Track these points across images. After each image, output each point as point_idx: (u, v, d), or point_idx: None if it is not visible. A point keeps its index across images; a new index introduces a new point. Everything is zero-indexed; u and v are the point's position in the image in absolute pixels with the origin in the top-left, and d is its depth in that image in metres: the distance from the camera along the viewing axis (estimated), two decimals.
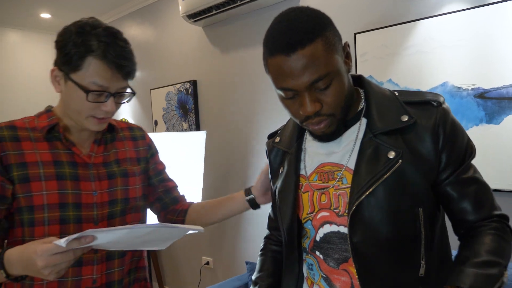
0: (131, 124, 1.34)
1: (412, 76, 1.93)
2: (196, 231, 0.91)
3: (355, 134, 0.93)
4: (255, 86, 2.71)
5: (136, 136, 1.29)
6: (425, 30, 1.88)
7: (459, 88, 1.80)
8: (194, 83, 3.06)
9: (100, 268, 1.12)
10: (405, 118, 0.87)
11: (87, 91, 1.01)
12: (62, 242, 0.78)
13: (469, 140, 0.92)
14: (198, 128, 3.08)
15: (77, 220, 1.08)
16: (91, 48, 0.99)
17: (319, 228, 0.95)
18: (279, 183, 1.06)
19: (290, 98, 0.87)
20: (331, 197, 0.94)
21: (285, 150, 1.07)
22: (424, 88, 1.89)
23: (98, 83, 1.00)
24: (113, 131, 1.22)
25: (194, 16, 2.79)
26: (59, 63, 1.04)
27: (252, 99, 2.74)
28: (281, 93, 0.87)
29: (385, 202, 0.85)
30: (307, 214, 0.99)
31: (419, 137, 0.87)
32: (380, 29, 2.01)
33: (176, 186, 1.39)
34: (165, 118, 3.35)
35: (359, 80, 0.99)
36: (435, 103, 0.89)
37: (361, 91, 0.97)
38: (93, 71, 0.99)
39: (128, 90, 1.09)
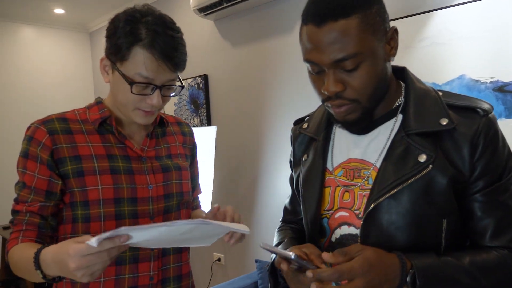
0: (179, 118, 1.30)
1: (428, 69, 1.86)
2: (242, 231, 0.87)
3: (389, 130, 0.87)
4: (267, 81, 2.67)
5: (185, 132, 1.26)
6: (440, 21, 1.81)
7: (476, 81, 1.73)
8: (205, 77, 3.03)
9: (157, 265, 1.09)
10: (444, 122, 0.80)
11: (131, 82, 0.96)
12: (94, 241, 0.71)
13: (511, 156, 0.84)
14: (209, 123, 3.06)
15: (132, 215, 1.05)
16: (139, 38, 0.94)
17: (335, 229, 0.90)
18: (302, 172, 1.00)
19: (316, 73, 0.82)
20: (356, 197, 0.88)
21: (312, 137, 1.01)
22: (440, 81, 1.82)
23: (144, 74, 0.96)
24: (163, 125, 1.19)
25: (205, 10, 2.76)
26: (107, 52, 1.01)
27: (264, 93, 2.70)
28: (308, 65, 0.82)
29: (407, 208, 0.79)
30: (324, 210, 0.93)
31: (456, 145, 0.80)
32: (393, 21, 1.94)
33: (198, 197, 1.37)
34: (177, 113, 3.33)
35: (402, 73, 0.92)
36: (481, 112, 0.81)
37: (403, 85, 0.91)
38: (139, 61, 0.95)
39: (177, 83, 1.04)
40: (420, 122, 0.82)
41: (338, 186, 0.91)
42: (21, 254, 0.94)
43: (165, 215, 1.11)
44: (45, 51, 4.17)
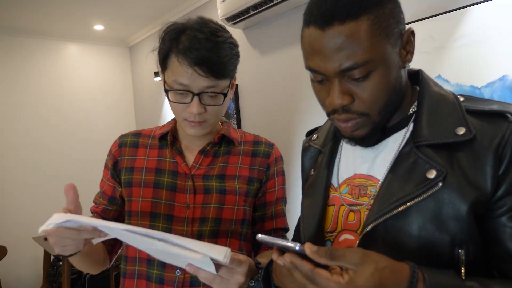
0: (261, 138, 1.19)
1: (465, 70, 1.69)
2: (216, 260, 0.73)
3: (398, 142, 0.75)
4: (296, 89, 2.58)
5: (257, 152, 1.14)
6: (478, 17, 1.63)
7: None
8: (235, 87, 2.98)
9: None
10: (461, 131, 0.67)
11: (166, 90, 0.98)
12: (76, 219, 0.73)
13: None
14: None
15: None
16: (175, 45, 0.95)
17: None
18: (305, 188, 0.91)
19: (319, 81, 0.72)
20: (362, 218, 0.76)
21: (319, 149, 0.92)
22: (479, 83, 1.64)
23: (179, 81, 0.95)
24: (230, 144, 1.13)
25: (233, 19, 2.72)
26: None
27: (294, 102, 2.60)
28: (310, 73, 0.73)
29: (412, 232, 0.66)
30: (326, 232, 0.82)
31: (476, 158, 0.66)
32: (425, 20, 1.79)
33: (272, 230, 1.17)
34: None
35: (417, 77, 0.79)
36: (510, 117, 0.66)
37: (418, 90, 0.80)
38: (175, 69, 0.95)
39: (217, 89, 0.97)
40: (433, 132, 0.70)
41: (343, 205, 0.80)
42: None
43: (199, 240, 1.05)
44: (87, 67, 4.33)
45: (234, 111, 3.01)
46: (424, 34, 1.80)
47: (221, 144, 1.12)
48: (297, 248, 0.61)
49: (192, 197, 1.05)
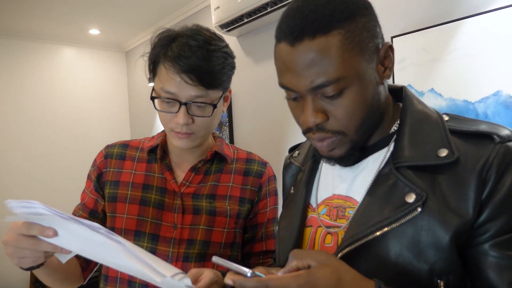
0: (254, 155, 1.15)
1: (458, 84, 1.64)
2: (149, 279, 0.68)
3: (378, 162, 0.71)
4: None
5: (250, 171, 1.09)
6: (472, 30, 1.58)
7: None
8: None
9: None
10: (443, 153, 0.63)
11: (152, 97, 0.92)
12: (43, 210, 0.65)
13: None
14: (232, 143, 2.95)
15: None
16: (164, 51, 0.91)
17: None
18: (283, 208, 0.87)
19: (294, 99, 0.69)
20: (339, 241, 0.71)
21: (299, 167, 0.88)
22: (473, 98, 1.59)
23: (166, 89, 0.90)
24: (222, 162, 1.07)
25: (227, 26, 2.69)
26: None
27: (288, 111, 2.52)
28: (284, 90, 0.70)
29: (389, 259, 0.62)
30: None
31: (459, 182, 0.61)
32: (420, 31, 1.74)
33: (262, 252, 1.12)
34: None
35: (401, 93, 0.75)
36: (497, 138, 0.62)
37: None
38: (163, 76, 0.91)
39: (206, 100, 0.92)
40: (414, 153, 0.66)
41: (320, 226, 0.75)
42: None
43: (184, 263, 0.98)
44: (83, 71, 4.29)
45: (227, 119, 2.96)
46: (417, 47, 1.76)
47: (213, 161, 1.07)
48: (249, 275, 0.58)
49: (180, 216, 0.99)
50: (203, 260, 0.99)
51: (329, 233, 0.73)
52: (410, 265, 0.61)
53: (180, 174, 1.04)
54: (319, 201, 0.79)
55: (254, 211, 1.09)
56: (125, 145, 1.09)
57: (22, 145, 3.85)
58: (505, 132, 0.63)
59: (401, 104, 0.75)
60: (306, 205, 0.80)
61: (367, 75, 0.64)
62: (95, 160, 1.09)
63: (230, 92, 1.03)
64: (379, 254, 0.63)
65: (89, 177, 1.08)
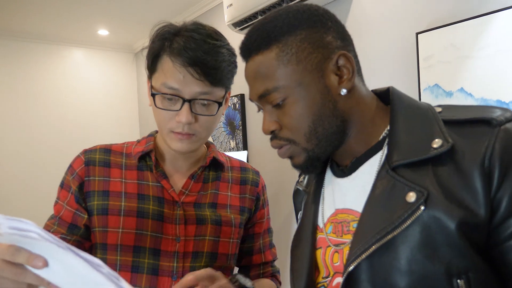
0: (245, 164, 1.12)
1: (490, 83, 1.53)
2: None
3: (375, 168, 0.68)
4: None
5: (246, 180, 1.06)
6: (505, 24, 1.48)
7: None
8: (241, 97, 2.85)
9: None
10: (437, 144, 0.60)
11: (153, 93, 0.85)
12: (34, 233, 0.54)
13: None
14: (245, 147, 2.86)
15: (152, 270, 0.88)
16: (168, 44, 0.86)
17: None
18: (294, 235, 0.83)
19: (258, 110, 0.76)
20: (344, 258, 0.68)
21: (304, 190, 0.86)
22: (507, 98, 1.49)
23: (168, 84, 0.85)
24: (219, 169, 1.01)
25: (240, 24, 2.61)
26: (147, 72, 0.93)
27: None
28: None
29: (402, 266, 0.58)
30: (323, 278, 0.73)
31: (459, 172, 0.58)
32: (448, 26, 1.64)
33: (262, 264, 1.09)
34: (214, 136, 3.17)
35: (389, 95, 0.73)
36: (493, 121, 0.58)
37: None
38: (166, 70, 0.85)
39: (211, 97, 0.86)
40: (407, 150, 0.63)
41: (329, 246, 0.73)
42: None
43: None
44: (92, 72, 4.25)
45: (240, 122, 2.87)
46: (445, 43, 1.65)
47: (210, 168, 1.01)
48: None
49: (182, 228, 0.91)
50: None
51: (336, 251, 0.71)
52: (425, 269, 0.57)
53: (177, 182, 0.96)
54: (325, 220, 0.76)
55: (252, 221, 1.05)
56: (106, 150, 0.99)
57: (30, 147, 3.82)
58: (499, 113, 0.60)
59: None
60: (314, 228, 0.77)
61: (310, 84, 0.66)
62: (71, 167, 0.97)
63: (229, 94, 0.97)
64: (391, 264, 0.59)
65: (64, 186, 0.96)
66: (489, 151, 0.56)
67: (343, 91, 0.68)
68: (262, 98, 0.70)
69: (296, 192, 0.92)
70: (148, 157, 0.96)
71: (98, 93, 4.26)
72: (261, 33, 0.68)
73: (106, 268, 0.55)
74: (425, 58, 1.73)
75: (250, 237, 1.05)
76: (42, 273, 0.58)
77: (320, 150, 0.69)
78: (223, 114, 0.95)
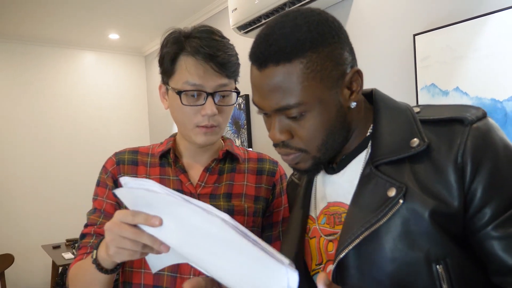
0: (263, 155, 1.15)
1: (485, 83, 1.57)
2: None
3: (361, 164, 0.73)
4: None
5: (262, 170, 1.09)
6: (499, 26, 1.52)
7: None
8: (246, 97, 2.92)
9: None
10: (414, 143, 0.66)
11: (179, 92, 0.91)
12: (128, 181, 0.64)
13: None
14: (250, 146, 2.92)
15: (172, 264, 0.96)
16: (182, 47, 0.92)
17: None
18: (286, 226, 0.89)
19: (265, 114, 0.73)
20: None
21: (297, 182, 0.91)
22: (501, 97, 1.52)
23: (191, 82, 0.90)
24: (234, 161, 1.07)
25: (244, 28, 2.67)
26: (162, 76, 0.98)
27: None
28: None
29: (386, 256, 0.64)
30: (316, 265, 0.78)
31: (435, 168, 0.63)
32: (444, 28, 1.68)
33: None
34: None
35: (372, 96, 0.78)
36: (465, 120, 0.63)
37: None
38: (185, 70, 0.91)
39: (229, 88, 0.96)
40: (388, 149, 0.69)
41: (321, 236, 0.78)
42: (83, 261, 0.91)
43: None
44: (103, 74, 4.35)
45: (245, 121, 2.93)
46: (441, 44, 1.70)
47: (225, 161, 1.07)
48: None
49: None
50: None
51: (330, 241, 0.76)
52: (407, 256, 0.62)
53: (194, 175, 1.03)
54: (318, 211, 0.81)
55: (270, 210, 1.09)
56: (135, 151, 1.08)
57: (41, 149, 3.91)
58: (472, 112, 0.64)
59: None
60: (306, 217, 0.82)
61: (329, 100, 0.67)
62: (105, 167, 1.06)
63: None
64: (375, 252, 0.64)
65: (101, 184, 1.05)
66: (461, 149, 0.62)
67: (353, 104, 0.70)
68: (279, 111, 0.68)
69: (290, 184, 0.97)
70: (169, 155, 1.03)
71: (109, 95, 4.35)
72: (282, 45, 0.64)
73: (231, 221, 0.60)
74: (422, 59, 1.77)
75: (269, 225, 1.09)
76: (156, 232, 0.65)
77: (326, 156, 0.73)
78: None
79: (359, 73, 0.70)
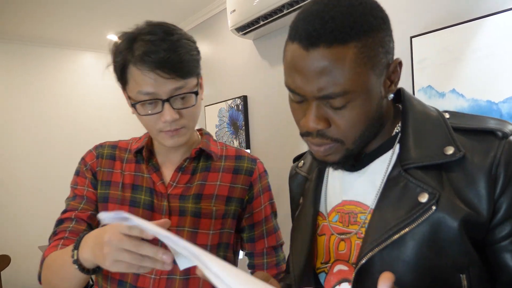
0: (243, 152, 1.11)
1: (482, 85, 1.57)
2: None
3: (385, 165, 0.70)
4: None
5: (239, 169, 1.06)
6: (496, 28, 1.52)
7: None
8: (244, 98, 2.91)
9: None
10: (450, 151, 0.63)
11: (133, 103, 0.89)
12: (135, 220, 0.62)
13: None
14: (248, 147, 2.92)
15: None
16: (130, 54, 0.86)
17: (334, 286, 0.72)
18: (295, 220, 0.86)
19: (298, 101, 0.67)
20: (352, 247, 0.71)
21: (305, 176, 0.87)
22: (497, 98, 1.52)
23: (143, 91, 0.86)
24: (209, 159, 1.04)
25: (243, 29, 2.68)
26: (119, 84, 0.95)
27: None
28: (289, 92, 0.68)
29: (411, 260, 0.62)
30: (321, 264, 0.76)
31: (468, 177, 0.62)
32: (441, 30, 1.68)
33: (265, 251, 1.10)
34: (218, 136, 3.25)
35: (399, 95, 0.75)
36: (499, 133, 0.63)
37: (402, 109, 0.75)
38: (135, 80, 0.87)
39: (186, 89, 0.89)
40: (420, 153, 0.66)
41: (333, 234, 0.75)
42: (59, 254, 0.88)
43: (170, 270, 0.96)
44: (101, 75, 4.33)
45: (243, 122, 2.93)
46: (438, 46, 1.69)
47: (200, 159, 1.04)
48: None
49: (167, 218, 0.95)
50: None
51: (342, 240, 0.73)
52: (432, 263, 0.61)
53: (168, 174, 1.01)
54: (329, 208, 0.78)
55: (249, 211, 1.07)
56: (114, 146, 1.09)
57: (39, 149, 3.91)
58: (505, 126, 0.64)
59: (400, 106, 0.74)
60: (316, 215, 0.79)
61: (374, 89, 0.63)
62: (84, 159, 1.06)
63: (201, 79, 0.98)
64: (400, 257, 0.62)
65: (80, 174, 1.04)
66: (496, 161, 0.61)
67: (391, 96, 0.68)
68: (322, 98, 0.62)
69: (294, 176, 0.92)
70: (143, 152, 1.02)
71: (109, 95, 4.34)
72: (339, 25, 0.58)
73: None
74: (419, 61, 1.77)
75: (250, 226, 1.07)
76: (162, 237, 0.62)
77: (358, 149, 0.69)
78: (202, 99, 0.98)
79: (400, 65, 0.67)
